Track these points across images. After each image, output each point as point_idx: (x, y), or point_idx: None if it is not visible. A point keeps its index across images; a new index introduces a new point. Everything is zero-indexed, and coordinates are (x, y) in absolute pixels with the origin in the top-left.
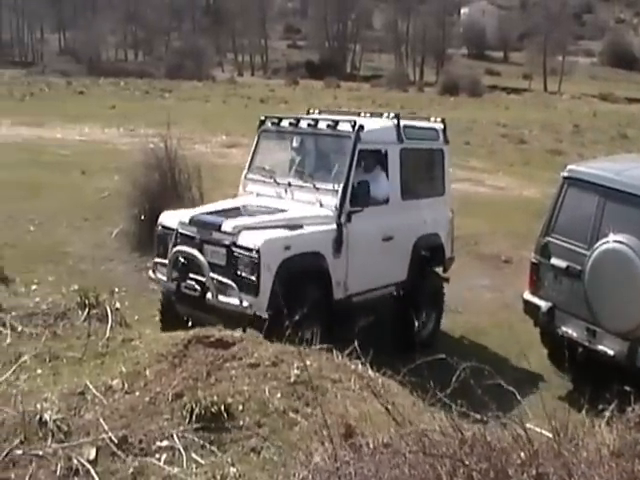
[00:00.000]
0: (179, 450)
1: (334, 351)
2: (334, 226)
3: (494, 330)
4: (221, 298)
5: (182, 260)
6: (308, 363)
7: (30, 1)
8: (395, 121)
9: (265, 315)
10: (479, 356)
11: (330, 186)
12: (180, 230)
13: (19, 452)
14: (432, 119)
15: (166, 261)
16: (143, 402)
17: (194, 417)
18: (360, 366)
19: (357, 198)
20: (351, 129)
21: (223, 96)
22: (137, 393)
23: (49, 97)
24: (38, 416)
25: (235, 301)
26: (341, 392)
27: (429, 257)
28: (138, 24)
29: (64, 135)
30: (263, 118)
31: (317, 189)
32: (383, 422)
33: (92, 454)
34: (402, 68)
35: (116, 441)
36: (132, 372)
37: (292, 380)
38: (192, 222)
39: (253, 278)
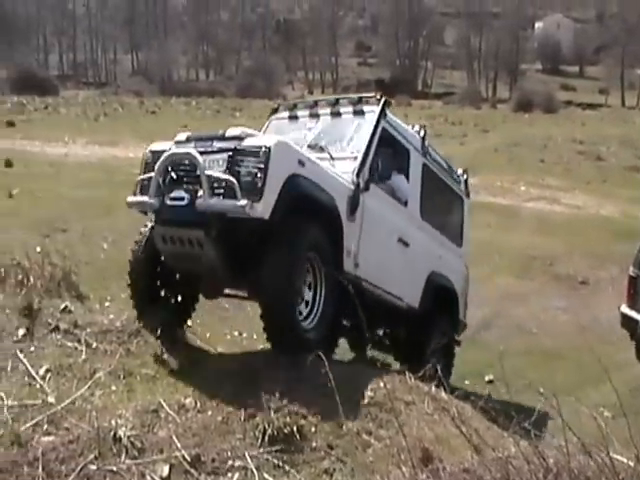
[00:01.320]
0: (251, 470)
1: (407, 372)
2: (351, 185)
3: (571, 353)
4: (215, 199)
5: (171, 173)
6: (381, 384)
7: (104, 24)
8: (422, 132)
9: (267, 216)
10: (555, 380)
11: (348, 153)
12: (173, 149)
13: (93, 467)
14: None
15: (152, 174)
16: (216, 421)
17: (267, 437)
18: (434, 388)
19: (376, 170)
20: (376, 103)
21: None
22: (210, 412)
23: (122, 117)
24: (112, 432)
25: (232, 201)
26: (415, 414)
27: (443, 299)
28: (209, 44)
29: (137, 154)
30: (276, 106)
31: (333, 158)
32: (459, 446)
33: (165, 471)
34: (474, 85)
35: (189, 459)
36: (205, 391)
37: (365, 401)
38: (189, 139)
39: (259, 177)
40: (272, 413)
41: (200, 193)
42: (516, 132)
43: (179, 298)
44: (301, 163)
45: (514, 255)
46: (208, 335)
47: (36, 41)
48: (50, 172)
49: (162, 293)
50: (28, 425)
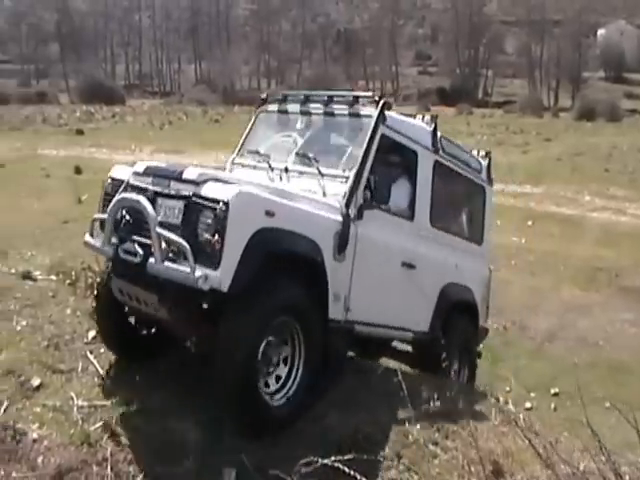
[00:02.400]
0: (319, 478)
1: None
2: (339, 217)
3: (639, 367)
4: (167, 264)
5: (126, 216)
6: (447, 395)
7: (169, 35)
8: (432, 125)
9: (225, 288)
10: (622, 393)
11: (339, 171)
12: (131, 181)
13: (160, 469)
14: (474, 152)
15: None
16: None
17: (333, 444)
18: (501, 400)
19: (373, 190)
20: (375, 106)
21: None
22: None
23: (186, 125)
24: (180, 434)
25: (185, 268)
26: (482, 427)
27: (460, 311)
28: (270, 53)
29: (201, 162)
30: (264, 96)
31: (322, 175)
32: (528, 460)
33: (233, 476)
34: (536, 93)
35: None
36: None
37: (432, 411)
38: (147, 171)
39: (216, 240)
40: (338, 419)
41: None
42: (579, 141)
43: (153, 330)
44: (269, 214)
45: (579, 266)
46: None
47: (104, 52)
48: None
49: (136, 327)
50: (97, 425)
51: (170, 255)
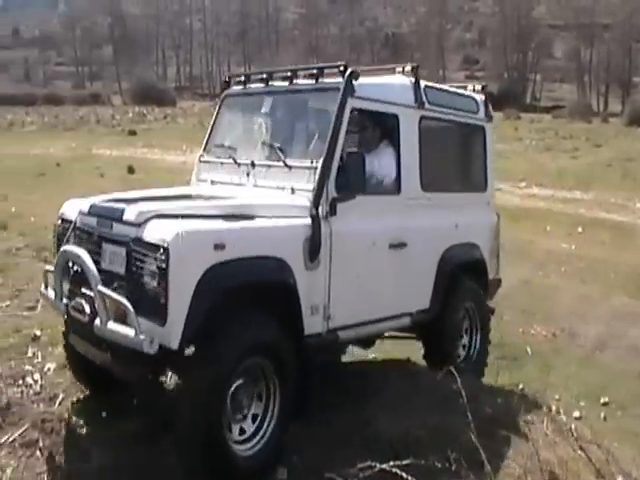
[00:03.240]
0: None
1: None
2: (307, 220)
3: None
4: (112, 326)
5: (73, 267)
6: (499, 401)
7: (219, 38)
8: (412, 78)
9: (175, 345)
10: None
11: (307, 162)
12: (78, 223)
13: None
14: (470, 87)
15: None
16: (331, 431)
17: (383, 447)
18: (553, 408)
19: (346, 178)
20: (340, 77)
21: None
22: (325, 421)
23: None
24: None
25: (128, 331)
26: (534, 435)
27: (464, 273)
28: (319, 57)
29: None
30: (227, 78)
31: (289, 168)
32: (581, 470)
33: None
34: (585, 98)
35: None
36: (320, 400)
37: (483, 417)
38: (92, 211)
39: (160, 290)
40: (387, 422)
41: None
42: (630, 147)
43: None
44: (219, 247)
45: (629, 274)
46: None
47: (155, 55)
48: (169, 179)
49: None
50: None
51: (117, 314)
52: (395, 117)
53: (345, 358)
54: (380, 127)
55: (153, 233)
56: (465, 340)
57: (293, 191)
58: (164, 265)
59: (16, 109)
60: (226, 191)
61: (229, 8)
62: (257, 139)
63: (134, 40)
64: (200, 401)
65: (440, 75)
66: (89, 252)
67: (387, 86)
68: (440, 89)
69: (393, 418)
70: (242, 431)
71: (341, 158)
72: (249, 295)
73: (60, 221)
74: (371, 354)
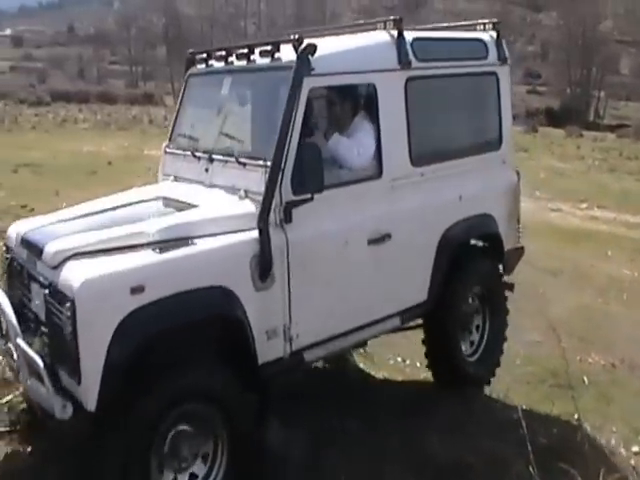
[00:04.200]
0: None
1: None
2: (254, 234)
3: None
4: (31, 383)
5: None
6: (554, 431)
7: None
8: (394, 33)
9: (92, 408)
10: None
11: (260, 160)
12: (13, 253)
13: None
14: (479, 26)
15: None
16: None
17: (432, 471)
18: (612, 441)
19: (303, 176)
20: (294, 53)
21: None
22: (372, 438)
23: None
24: None
25: (42, 390)
26: (590, 468)
27: (472, 250)
28: None
29: None
30: (190, 54)
31: (243, 165)
32: None
33: None
34: None
35: None
36: (369, 415)
37: (537, 447)
38: (23, 241)
39: (71, 347)
40: (437, 446)
41: None
42: None
43: None
44: (137, 290)
45: None
46: (374, 359)
47: None
48: None
49: None
50: None
51: (32, 366)
52: (372, 87)
53: (399, 377)
54: (352, 103)
55: (64, 279)
56: (475, 336)
57: (246, 194)
58: (72, 318)
59: (70, 106)
60: (185, 193)
61: (285, 12)
62: (216, 126)
63: (188, 41)
64: (120, 464)
65: None
66: (22, 288)
67: (357, 51)
68: (434, 39)
69: (444, 441)
70: None
71: (299, 149)
72: (185, 334)
73: (4, 247)
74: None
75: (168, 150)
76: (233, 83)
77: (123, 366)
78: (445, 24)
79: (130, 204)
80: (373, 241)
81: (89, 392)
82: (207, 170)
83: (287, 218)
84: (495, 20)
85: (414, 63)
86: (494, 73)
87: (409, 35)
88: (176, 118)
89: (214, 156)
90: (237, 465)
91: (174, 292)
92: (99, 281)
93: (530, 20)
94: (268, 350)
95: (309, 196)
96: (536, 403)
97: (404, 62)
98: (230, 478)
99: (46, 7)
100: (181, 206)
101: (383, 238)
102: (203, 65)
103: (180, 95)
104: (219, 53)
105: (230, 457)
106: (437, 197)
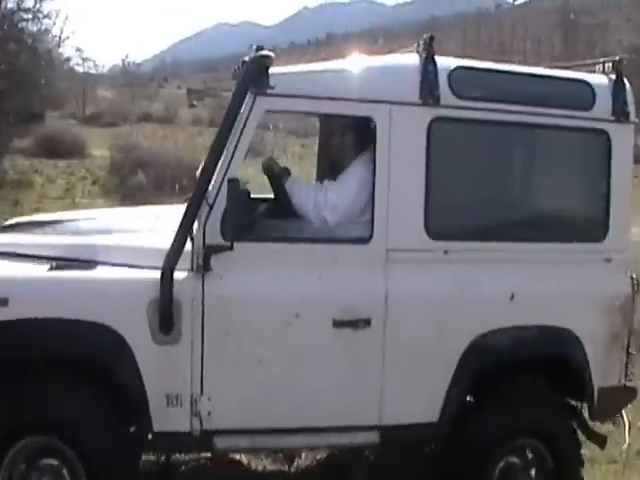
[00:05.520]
0: None
1: None
2: (157, 274)
3: None
4: None
5: None
6: None
7: None
8: (423, 53)
9: None
10: None
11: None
12: None
13: None
14: (598, 67)
15: None
16: None
17: None
18: None
19: (233, 213)
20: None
21: None
22: None
23: None
24: None
25: None
26: None
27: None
28: None
29: None
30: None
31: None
32: None
33: None
34: None
35: None
36: None
37: None
38: None
39: None
40: None
41: None
42: None
43: None
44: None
45: None
46: None
47: None
48: None
49: None
50: None
51: None
52: (367, 122)
53: None
54: (334, 137)
55: None
56: None
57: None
58: None
59: None
60: (132, 216)
61: (553, 52)
62: None
63: None
64: None
65: None
66: None
67: (352, 74)
68: (494, 71)
69: None
70: None
71: (222, 183)
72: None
73: None
74: None
75: None
76: None
77: None
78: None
79: (78, 219)
80: (342, 323)
81: None
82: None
83: (205, 265)
84: (618, 57)
85: (448, 99)
86: (603, 132)
87: (447, 62)
88: None
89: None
90: None
91: (45, 316)
92: None
93: None
94: (167, 418)
95: (228, 244)
96: None
97: (428, 95)
98: None
99: None
100: (114, 228)
101: (357, 323)
102: None
103: None
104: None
105: None
106: (469, 287)
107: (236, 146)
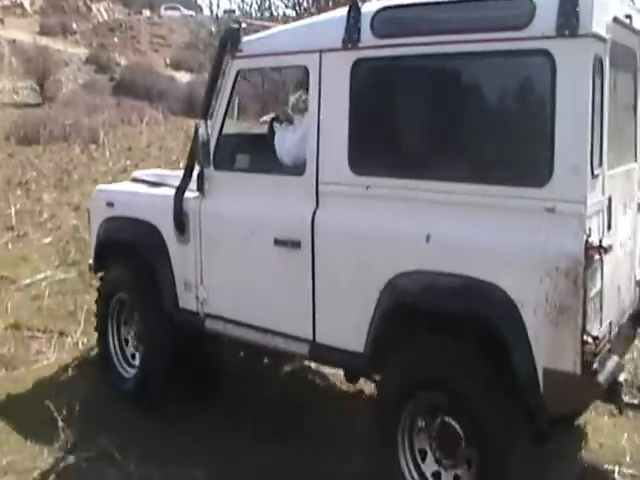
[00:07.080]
0: None
1: None
2: (170, 191)
3: None
4: None
5: None
6: None
7: None
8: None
9: None
10: None
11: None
12: None
13: None
14: None
15: None
16: None
17: None
18: None
19: (226, 149)
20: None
21: None
22: None
23: None
24: None
25: None
26: None
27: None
28: None
29: None
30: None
31: None
32: None
33: None
34: None
35: None
36: None
37: None
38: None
39: None
40: None
41: None
42: None
43: None
44: (109, 204)
45: None
46: None
47: None
48: None
49: None
50: None
51: None
52: (303, 70)
53: None
54: (288, 87)
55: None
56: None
57: None
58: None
59: None
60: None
61: None
62: None
63: None
64: None
65: None
66: None
67: (294, 31)
68: (418, 4)
69: None
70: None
71: (220, 129)
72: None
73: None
74: None
75: None
76: None
77: None
78: None
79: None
80: (279, 242)
81: None
82: None
83: (200, 188)
84: None
85: (368, 40)
86: (543, 51)
87: (371, 7)
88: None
89: None
90: (148, 345)
91: (131, 215)
92: (96, 197)
93: None
94: (186, 298)
95: (213, 172)
96: None
97: (348, 40)
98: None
99: None
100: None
101: (289, 243)
102: None
103: None
104: None
105: (140, 339)
106: (386, 225)
107: (222, 97)
